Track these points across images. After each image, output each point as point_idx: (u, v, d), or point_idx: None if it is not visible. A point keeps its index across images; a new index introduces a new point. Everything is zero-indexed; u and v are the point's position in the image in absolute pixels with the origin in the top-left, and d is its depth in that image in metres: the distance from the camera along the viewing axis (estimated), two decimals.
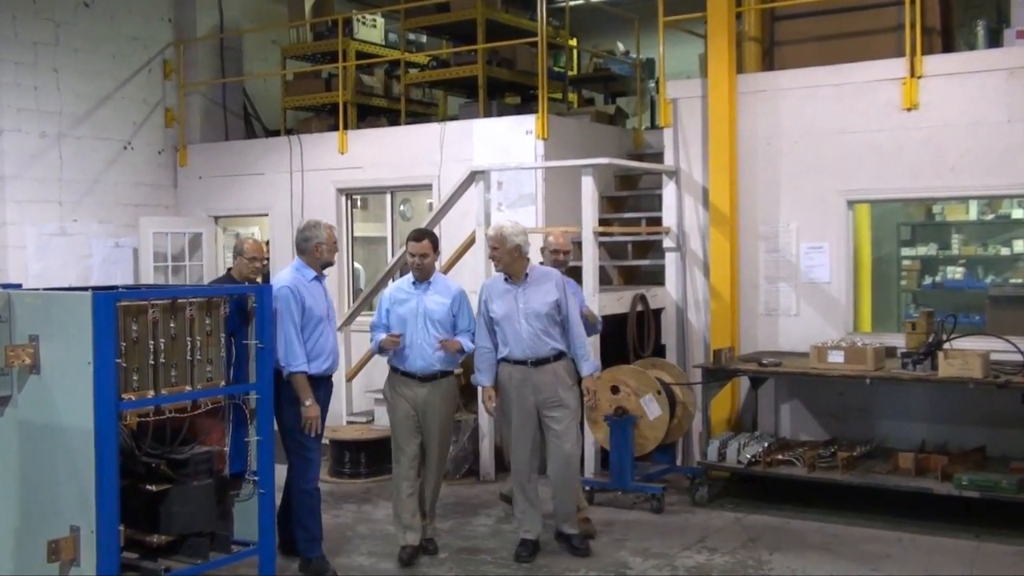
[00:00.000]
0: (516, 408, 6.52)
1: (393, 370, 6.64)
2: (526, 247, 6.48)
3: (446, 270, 9.13)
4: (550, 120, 9.79)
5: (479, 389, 6.75)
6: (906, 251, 10.25)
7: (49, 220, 10.77)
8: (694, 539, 6.97)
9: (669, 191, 9.21)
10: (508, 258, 6.44)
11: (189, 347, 5.48)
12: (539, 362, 6.44)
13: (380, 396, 9.34)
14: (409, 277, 6.65)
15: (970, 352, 7.09)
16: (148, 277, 11.13)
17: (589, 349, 6.68)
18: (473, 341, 6.58)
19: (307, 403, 6.17)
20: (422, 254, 6.52)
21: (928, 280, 10.12)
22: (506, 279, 6.52)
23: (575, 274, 9.29)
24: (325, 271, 6.52)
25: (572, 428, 6.55)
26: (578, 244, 9.38)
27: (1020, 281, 9.47)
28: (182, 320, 5.46)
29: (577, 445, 6.68)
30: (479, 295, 6.63)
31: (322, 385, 6.36)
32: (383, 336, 6.53)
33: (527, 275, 6.50)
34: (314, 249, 6.36)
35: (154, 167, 11.90)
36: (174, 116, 12.04)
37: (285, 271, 6.47)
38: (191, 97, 12.18)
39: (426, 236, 6.59)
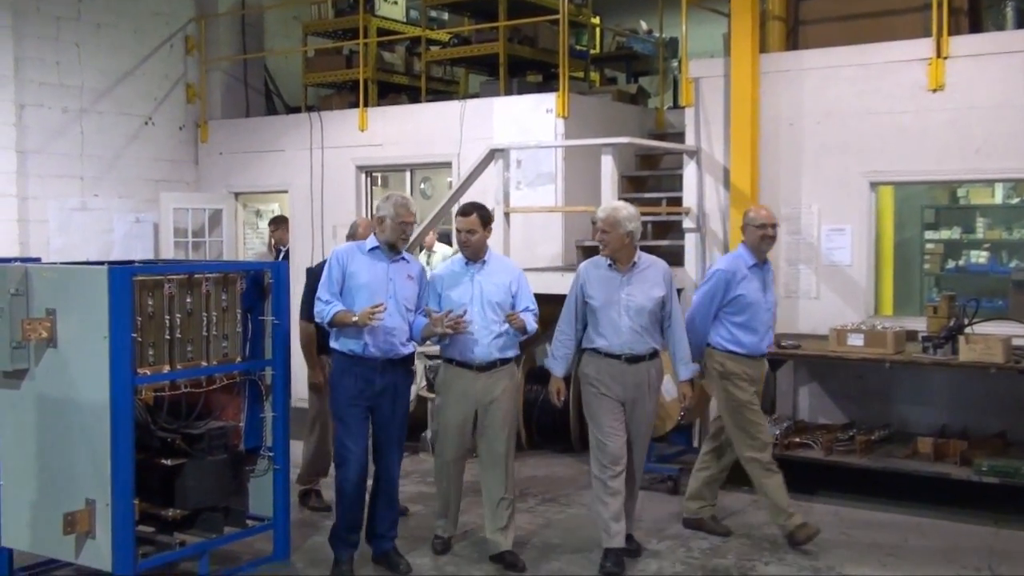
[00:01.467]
0: (607, 401, 5.90)
1: (447, 360, 6.10)
2: (638, 233, 5.94)
3: None
4: (571, 99, 9.72)
5: (551, 377, 6.11)
6: (929, 234, 10.13)
7: (71, 195, 10.80)
8: None
9: (690, 171, 9.13)
10: (618, 243, 5.85)
11: (205, 322, 5.52)
12: (633, 359, 5.90)
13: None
14: (461, 257, 6.10)
15: (992, 337, 7.01)
16: (168, 253, 11.17)
17: (689, 351, 6.12)
18: (535, 319, 6.07)
19: (354, 318, 5.64)
20: (469, 230, 5.97)
21: (951, 264, 10.00)
22: (610, 264, 5.93)
23: (595, 255, 9.27)
24: (409, 257, 6.02)
25: (648, 436, 6.20)
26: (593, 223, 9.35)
27: None
28: (198, 295, 5.49)
29: (644, 455, 6.22)
30: (575, 277, 6.07)
31: (368, 368, 5.76)
32: (437, 315, 5.84)
33: (635, 263, 5.92)
34: (379, 223, 5.85)
35: (175, 143, 11.91)
36: (195, 92, 12.04)
37: (347, 243, 6.39)
38: (212, 73, 12.17)
39: (475, 210, 6.02)
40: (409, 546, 6.28)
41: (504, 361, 6.04)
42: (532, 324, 6.03)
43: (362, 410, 5.80)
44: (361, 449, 5.81)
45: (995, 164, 7.91)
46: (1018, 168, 7.91)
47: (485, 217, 6.02)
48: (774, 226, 6.43)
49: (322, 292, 5.84)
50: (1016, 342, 7.17)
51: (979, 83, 7.92)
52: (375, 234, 5.90)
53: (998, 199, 10.05)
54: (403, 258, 5.94)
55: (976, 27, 8.44)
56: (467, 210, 6.05)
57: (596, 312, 5.90)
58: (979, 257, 9.91)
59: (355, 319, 5.65)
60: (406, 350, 5.93)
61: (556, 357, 6.08)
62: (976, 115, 7.91)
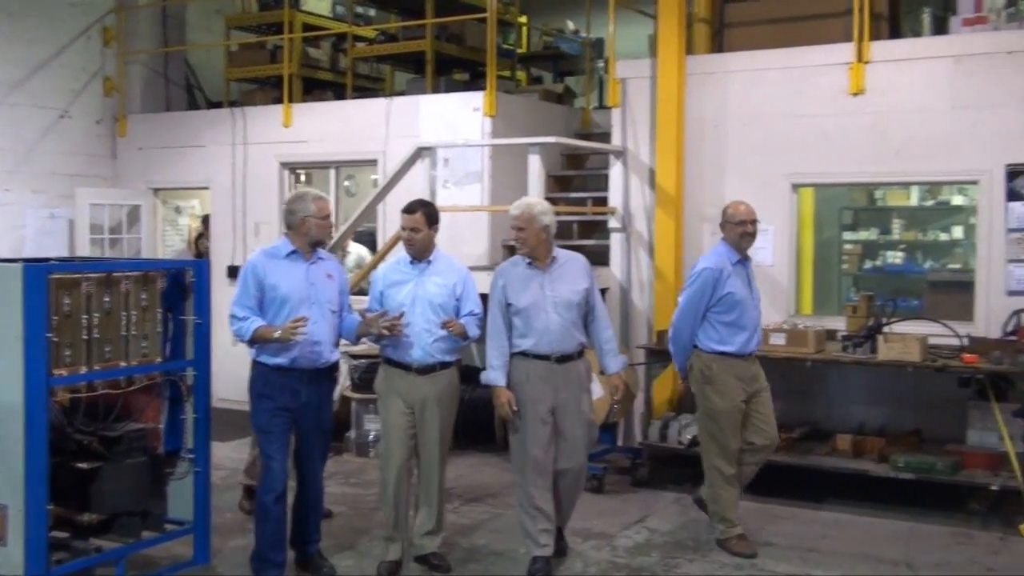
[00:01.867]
0: (532, 408, 5.72)
1: (386, 361, 5.85)
2: (554, 228, 5.79)
3: (390, 248, 9.01)
4: (498, 98, 9.70)
5: (493, 389, 5.82)
6: (848, 235, 10.34)
7: None
8: (634, 519, 6.99)
9: (616, 171, 9.18)
10: (535, 240, 5.69)
11: (124, 322, 5.37)
12: (563, 358, 5.73)
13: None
14: (406, 256, 5.87)
15: (909, 336, 7.17)
16: (84, 250, 10.89)
17: (614, 343, 5.99)
18: (478, 325, 5.83)
19: (276, 334, 5.42)
20: (412, 228, 5.74)
21: (869, 264, 10.22)
22: (529, 263, 5.77)
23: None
24: (324, 254, 5.78)
25: (586, 436, 5.91)
26: None
27: (958, 267, 9.59)
28: (117, 294, 5.34)
29: (585, 455, 6.01)
30: (493, 280, 5.88)
31: (294, 379, 5.56)
32: (373, 314, 5.70)
33: (554, 258, 5.78)
34: (300, 224, 5.58)
35: (92, 137, 11.62)
36: (113, 85, 11.75)
37: (262, 248, 5.88)
38: (131, 66, 11.89)
39: (420, 208, 5.81)
40: (333, 549, 6.20)
41: (445, 365, 5.81)
42: (474, 330, 5.81)
43: (286, 421, 5.59)
44: (284, 460, 5.61)
45: (913, 167, 8.09)
46: (935, 171, 8.10)
47: (431, 215, 5.82)
48: (753, 222, 6.31)
49: (237, 308, 5.54)
50: (932, 341, 7.33)
51: (898, 88, 8.08)
52: (288, 238, 5.65)
53: (914, 201, 10.30)
54: (319, 258, 5.72)
55: (896, 33, 8.63)
56: (412, 207, 5.82)
57: (521, 313, 5.71)
58: (895, 258, 10.15)
59: (277, 335, 5.42)
60: (334, 357, 5.76)
61: (495, 367, 5.77)
62: (895, 119, 8.08)
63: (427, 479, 5.89)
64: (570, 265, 5.84)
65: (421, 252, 5.78)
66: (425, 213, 5.78)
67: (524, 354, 5.73)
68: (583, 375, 5.85)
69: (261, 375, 5.60)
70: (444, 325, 5.65)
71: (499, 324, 5.78)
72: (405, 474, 5.83)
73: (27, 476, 4.88)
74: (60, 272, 5.15)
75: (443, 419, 5.83)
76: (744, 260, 6.34)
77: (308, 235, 5.58)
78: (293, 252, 5.62)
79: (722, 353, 6.15)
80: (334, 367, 5.82)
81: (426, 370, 5.74)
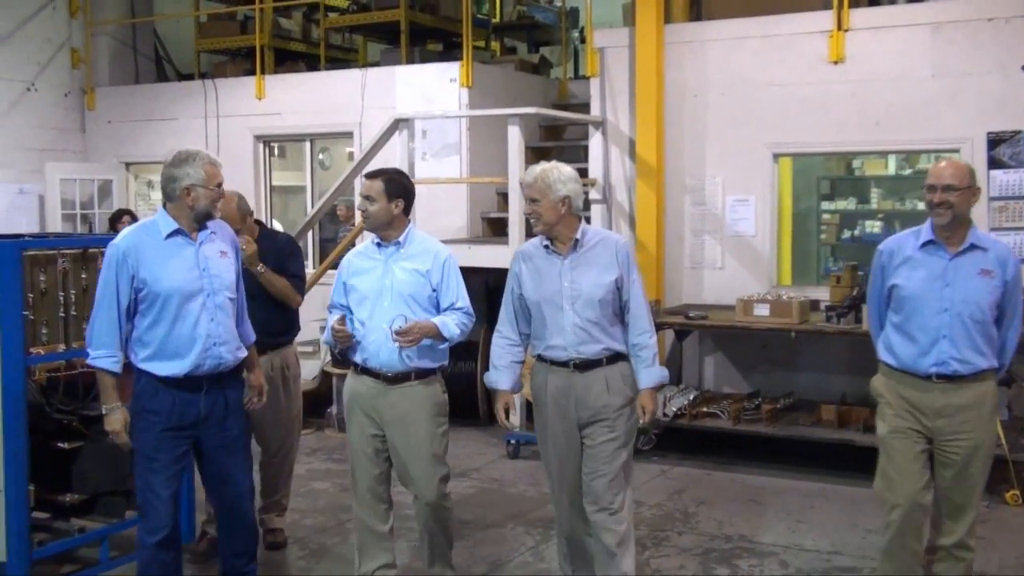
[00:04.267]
0: (553, 427, 4.69)
1: (353, 366, 4.81)
2: (578, 199, 4.62)
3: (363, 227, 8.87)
4: (475, 68, 9.59)
5: (497, 394, 4.85)
6: (826, 205, 10.32)
7: None
8: None
9: (595, 142, 9.10)
10: (552, 214, 4.55)
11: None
12: (585, 366, 4.58)
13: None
14: (374, 238, 4.78)
15: None
16: (56, 225, 10.69)
17: (653, 350, 4.65)
18: (460, 323, 4.69)
19: (103, 409, 4.39)
20: (367, 196, 4.66)
21: (847, 234, 10.21)
22: (547, 245, 4.67)
23: (500, 228, 9.20)
24: (213, 226, 4.55)
25: (618, 458, 4.61)
26: (504, 195, 9.27)
27: None
28: (94, 270, 5.20)
29: (623, 483, 4.64)
30: (511, 262, 4.80)
31: (191, 391, 4.41)
32: (335, 318, 4.71)
33: (577, 241, 4.61)
34: (183, 195, 4.39)
35: (60, 110, 11.38)
36: (80, 57, 11.51)
37: (133, 225, 4.65)
38: (99, 37, 11.65)
39: (380, 176, 4.71)
40: (318, 528, 6.12)
41: (422, 373, 4.68)
42: (451, 329, 4.65)
43: (181, 443, 4.45)
44: (171, 496, 4.46)
45: (894, 135, 8.06)
46: (916, 139, 8.07)
47: (394, 186, 4.66)
48: (947, 187, 4.33)
49: (103, 322, 4.35)
50: None
51: (878, 56, 8.04)
52: (168, 212, 4.45)
53: (891, 170, 10.28)
54: (210, 231, 4.54)
55: (875, 0, 8.57)
56: (374, 173, 4.78)
57: (535, 308, 4.66)
58: (873, 227, 10.12)
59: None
60: (241, 354, 4.60)
61: (498, 367, 4.77)
62: (875, 87, 8.05)
63: (423, 510, 4.77)
64: (599, 249, 4.63)
65: (379, 229, 4.69)
66: (386, 181, 4.66)
67: (542, 359, 4.72)
68: (617, 383, 4.61)
69: (147, 387, 4.41)
70: (397, 335, 4.52)
71: (508, 314, 4.78)
72: (375, 506, 4.79)
73: (6, 456, 4.78)
74: (34, 248, 5.03)
75: (420, 438, 4.66)
76: (946, 243, 4.42)
77: (194, 209, 4.41)
78: (176, 231, 4.43)
79: (886, 364, 4.60)
80: (239, 367, 4.66)
81: (397, 379, 4.66)
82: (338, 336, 4.64)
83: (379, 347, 4.62)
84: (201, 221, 4.47)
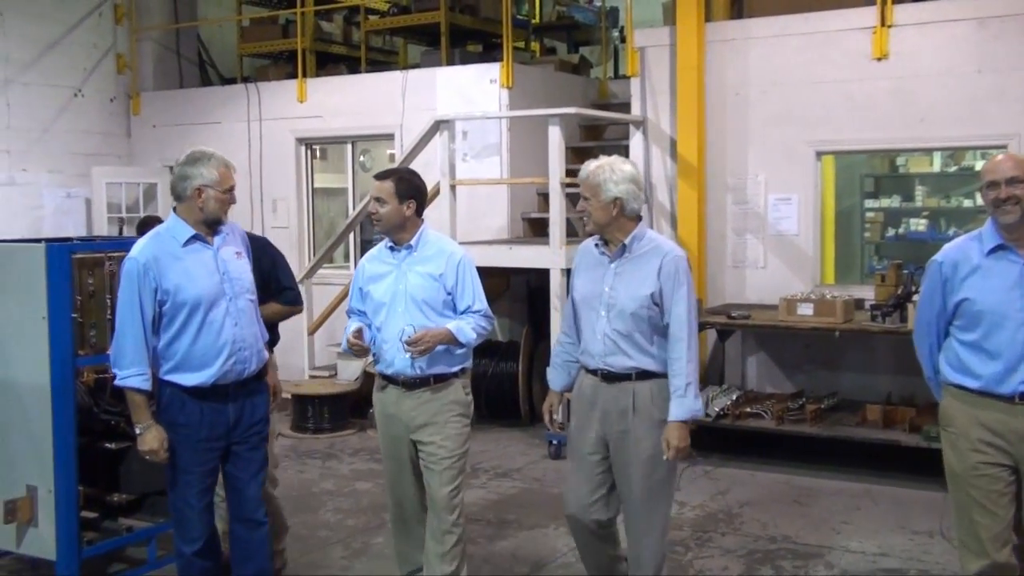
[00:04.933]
0: (575, 436, 4.45)
1: (377, 375, 4.72)
2: (633, 201, 4.24)
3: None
4: (515, 69, 9.59)
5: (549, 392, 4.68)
6: (869, 203, 10.22)
7: None
8: None
9: (636, 142, 9.07)
10: (602, 215, 4.23)
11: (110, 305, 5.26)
12: (611, 377, 4.29)
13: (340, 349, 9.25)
14: (387, 241, 4.63)
15: None
16: (102, 229, 10.84)
17: (689, 379, 4.18)
18: (477, 326, 4.52)
19: (137, 428, 4.27)
20: (377, 198, 4.50)
21: (891, 232, 10.11)
22: (597, 245, 4.38)
23: (541, 229, 9.18)
24: (225, 227, 4.42)
25: (647, 493, 4.28)
26: (544, 196, 9.27)
27: None
28: None
29: (658, 520, 4.35)
30: (574, 262, 4.56)
31: (218, 400, 4.30)
32: (352, 329, 4.57)
33: (624, 246, 4.27)
34: (194, 196, 4.29)
35: (106, 115, 11.54)
36: (126, 62, 11.67)
37: (148, 235, 4.44)
38: (143, 43, 11.80)
39: (390, 176, 4.54)
40: (362, 528, 6.15)
41: (441, 378, 4.52)
42: (467, 333, 4.48)
43: (212, 454, 4.36)
44: (204, 507, 4.39)
45: (939, 132, 7.97)
46: (962, 136, 7.98)
47: (406, 187, 4.49)
48: (1011, 180, 3.87)
49: (129, 339, 4.19)
50: None
51: (923, 52, 7.95)
52: (179, 215, 4.35)
53: (936, 167, 10.16)
54: (224, 234, 4.44)
55: None
56: (384, 174, 4.60)
57: (577, 308, 4.45)
58: (918, 225, 10.02)
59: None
60: (264, 356, 4.52)
61: (553, 365, 4.64)
62: (919, 84, 7.95)
63: (433, 518, 4.58)
64: (646, 259, 4.27)
65: (392, 231, 4.54)
66: (397, 182, 4.49)
67: (582, 364, 4.48)
68: (645, 402, 4.25)
69: (174, 399, 4.30)
70: (408, 344, 4.37)
71: (568, 313, 4.55)
72: (413, 518, 4.70)
73: (56, 457, 4.85)
74: (83, 251, 5.09)
75: (440, 443, 4.50)
76: (1016, 245, 3.94)
77: (203, 211, 4.30)
78: (194, 237, 4.32)
79: (960, 387, 4.05)
80: (263, 371, 4.53)
81: (412, 385, 4.52)
82: (354, 349, 4.52)
83: (394, 355, 4.48)
84: (212, 226, 4.34)
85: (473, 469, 7.38)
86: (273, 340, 5.17)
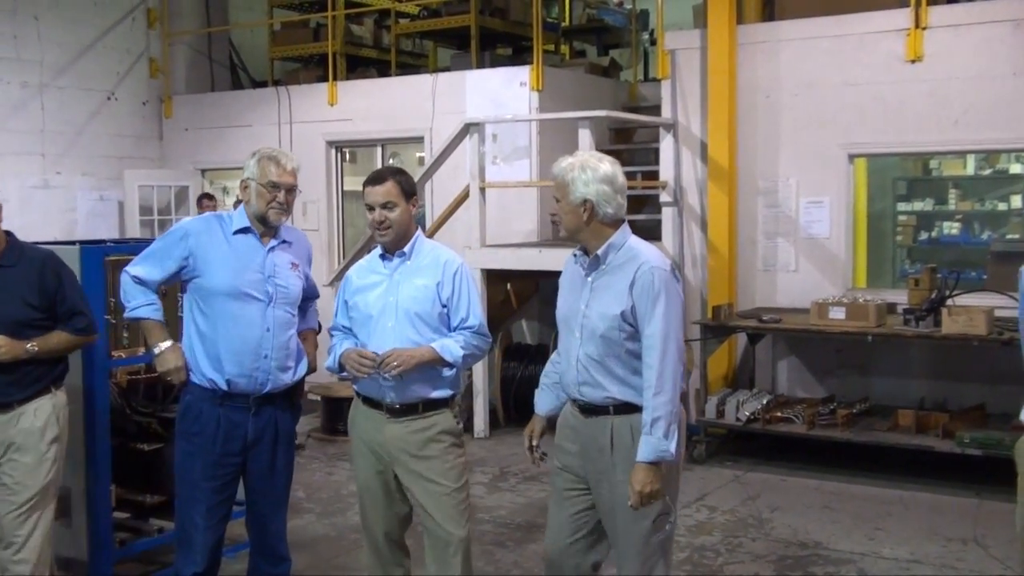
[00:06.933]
0: (555, 470, 3.88)
1: (356, 395, 4.15)
2: (607, 205, 3.62)
3: (435, 231, 8.92)
4: (545, 72, 9.59)
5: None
6: (902, 206, 10.12)
7: (32, 173, 10.55)
8: (693, 497, 6.89)
9: (666, 145, 9.03)
10: (571, 220, 3.65)
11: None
12: (588, 410, 3.70)
13: None
14: (378, 249, 4.10)
15: (974, 309, 7.00)
16: (134, 231, 10.94)
17: (657, 413, 3.48)
18: (468, 345, 3.98)
19: (155, 349, 4.11)
20: (385, 204, 3.93)
21: (924, 236, 10.01)
22: (576, 255, 3.80)
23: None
24: (289, 235, 4.28)
25: (632, 539, 3.66)
26: None
27: (1017, 236, 9.36)
28: None
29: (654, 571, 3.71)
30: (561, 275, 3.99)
31: (238, 410, 4.12)
32: (342, 349, 4.03)
33: (597, 256, 3.68)
34: (241, 189, 4.21)
35: (138, 118, 11.65)
36: (158, 66, 11.77)
37: (209, 214, 4.53)
38: (176, 47, 11.90)
39: (388, 177, 3.97)
40: None
41: (431, 404, 3.98)
42: (455, 352, 3.93)
43: (226, 471, 4.16)
44: (209, 530, 4.16)
45: (973, 135, 7.89)
46: (996, 139, 7.89)
47: (408, 185, 4.01)
48: None
49: (139, 270, 4.14)
50: (997, 313, 7.16)
51: (957, 54, 7.88)
52: (244, 209, 4.23)
53: (970, 170, 10.05)
54: (284, 240, 4.26)
55: None
56: (380, 176, 3.99)
57: (559, 329, 3.87)
58: (951, 228, 9.90)
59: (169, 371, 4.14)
60: (296, 375, 4.29)
61: (542, 387, 4.01)
62: (954, 86, 7.88)
63: (440, 562, 4.00)
64: (621, 271, 3.63)
65: (401, 239, 4.00)
66: (400, 180, 3.97)
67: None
68: (626, 441, 3.60)
69: (191, 407, 4.17)
70: (380, 364, 3.83)
71: (560, 329, 3.90)
72: (388, 549, 4.13)
73: (89, 458, 4.90)
74: (116, 254, 5.14)
75: (432, 479, 3.95)
76: None
77: (250, 205, 4.16)
78: (245, 229, 4.17)
79: None
80: (295, 389, 4.34)
81: (402, 412, 3.97)
82: (360, 369, 3.89)
83: (377, 376, 3.91)
84: (266, 224, 4.15)
85: (502, 472, 7.38)
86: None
